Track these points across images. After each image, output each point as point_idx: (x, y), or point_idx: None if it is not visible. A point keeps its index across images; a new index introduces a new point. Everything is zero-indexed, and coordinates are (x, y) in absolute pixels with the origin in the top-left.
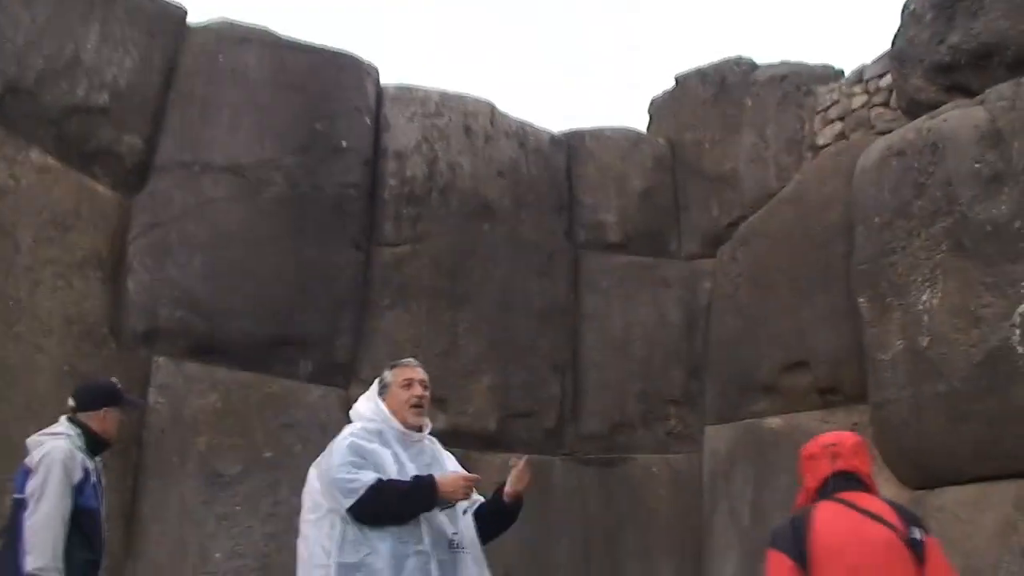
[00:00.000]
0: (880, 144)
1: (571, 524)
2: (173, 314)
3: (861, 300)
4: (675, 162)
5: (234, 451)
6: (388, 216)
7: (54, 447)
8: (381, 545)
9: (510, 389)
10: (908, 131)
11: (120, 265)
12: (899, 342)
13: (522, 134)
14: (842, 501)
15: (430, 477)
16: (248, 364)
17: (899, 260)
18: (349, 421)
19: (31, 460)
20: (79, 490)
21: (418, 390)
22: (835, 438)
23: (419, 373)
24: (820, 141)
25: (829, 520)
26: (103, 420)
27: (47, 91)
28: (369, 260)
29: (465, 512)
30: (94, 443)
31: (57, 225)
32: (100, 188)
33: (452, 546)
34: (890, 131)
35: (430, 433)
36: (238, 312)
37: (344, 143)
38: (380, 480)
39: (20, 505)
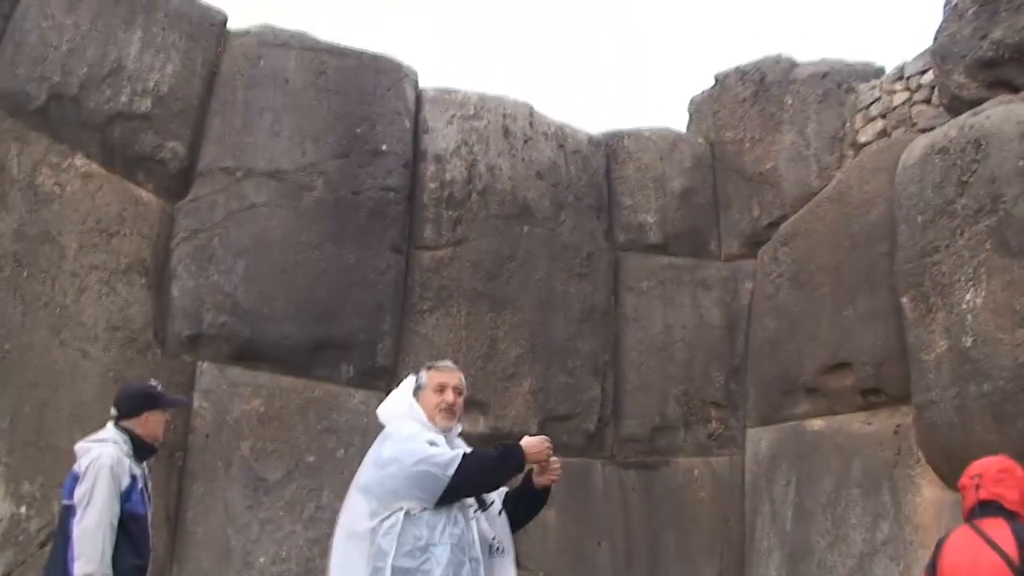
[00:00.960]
0: (922, 142)
1: (612, 527)
2: (217, 319)
3: (904, 300)
4: (715, 162)
5: (277, 456)
6: (428, 219)
7: (101, 453)
8: (439, 551)
9: (550, 392)
10: (950, 128)
11: (164, 271)
12: (943, 342)
13: (561, 135)
14: (974, 527)
15: (517, 444)
16: (290, 368)
17: (942, 259)
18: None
19: (79, 467)
20: (126, 496)
21: (450, 396)
22: (981, 468)
23: (454, 378)
24: (862, 139)
25: (956, 545)
26: (146, 424)
27: (91, 98)
28: (409, 263)
29: (500, 513)
30: (140, 448)
31: (102, 231)
32: (144, 194)
33: (492, 551)
34: (932, 128)
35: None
36: (280, 316)
37: (384, 146)
38: (469, 450)
39: (69, 511)
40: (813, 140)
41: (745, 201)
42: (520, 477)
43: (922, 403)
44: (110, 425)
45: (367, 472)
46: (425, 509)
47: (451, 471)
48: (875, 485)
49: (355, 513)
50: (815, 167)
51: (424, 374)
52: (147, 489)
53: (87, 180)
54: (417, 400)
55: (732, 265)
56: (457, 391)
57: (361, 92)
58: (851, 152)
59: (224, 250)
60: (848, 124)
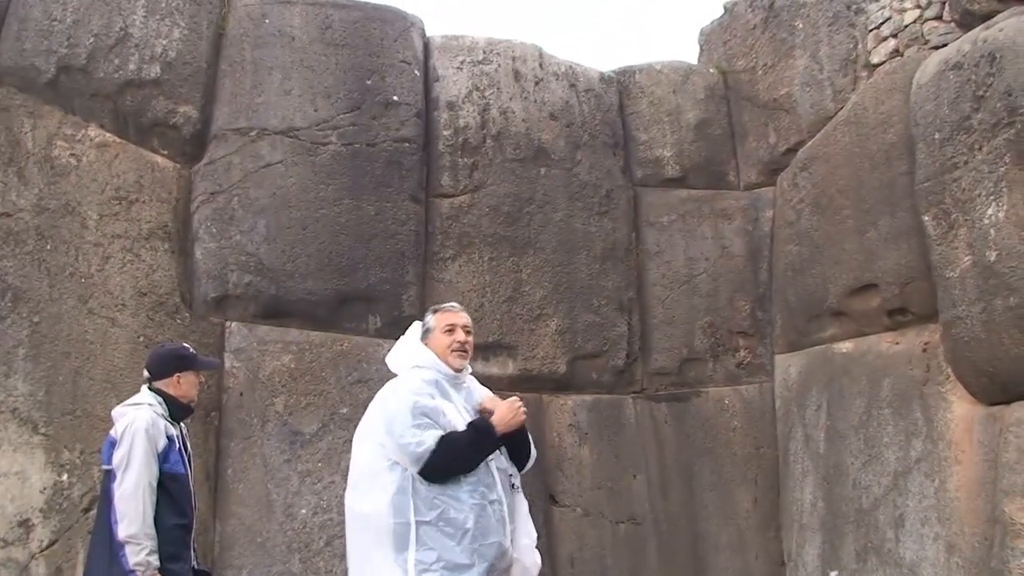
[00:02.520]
0: (935, 59)
1: (646, 460)
2: (242, 279)
3: (926, 218)
4: (728, 91)
5: (311, 409)
6: (444, 167)
7: (136, 417)
8: (462, 495)
9: (577, 331)
10: (963, 43)
11: (186, 234)
12: (967, 258)
13: (572, 75)
14: None
15: (483, 420)
16: (318, 323)
17: (962, 175)
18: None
19: (115, 431)
20: (164, 457)
21: (460, 335)
22: None
23: (462, 318)
24: (874, 60)
25: None
26: (179, 385)
27: (99, 68)
28: (428, 212)
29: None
30: (176, 409)
31: (121, 200)
32: (160, 160)
33: (513, 488)
34: (945, 45)
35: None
36: (304, 273)
37: (395, 97)
38: (442, 437)
39: (109, 475)
40: (826, 63)
41: (761, 129)
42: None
43: (949, 320)
44: (144, 389)
45: (374, 423)
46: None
47: (417, 468)
48: (906, 404)
49: (365, 463)
50: (829, 91)
51: (431, 317)
52: (186, 449)
53: (102, 150)
54: (427, 344)
55: (751, 194)
56: (466, 330)
57: (368, 44)
58: (865, 73)
59: (244, 210)
60: (860, 45)
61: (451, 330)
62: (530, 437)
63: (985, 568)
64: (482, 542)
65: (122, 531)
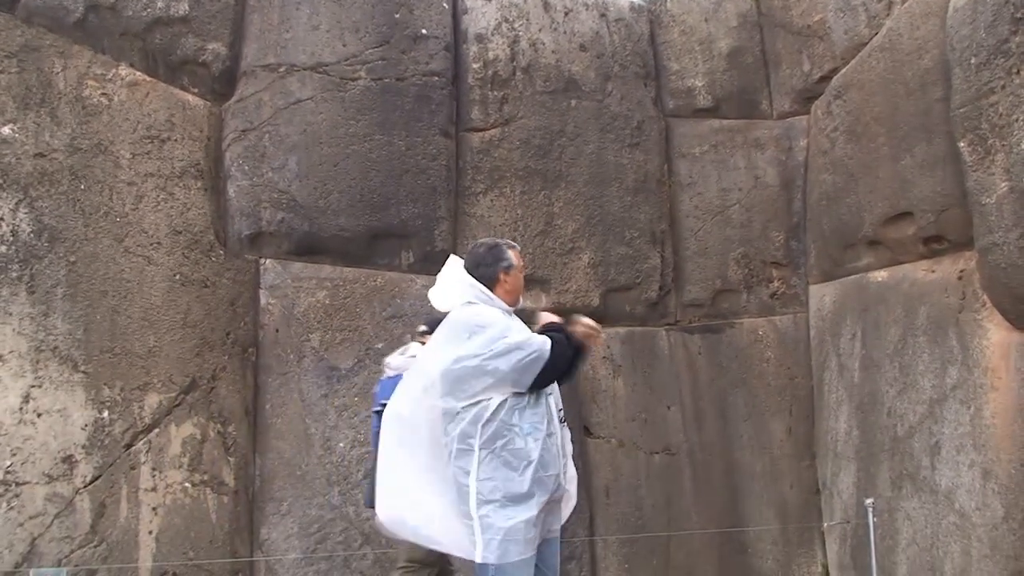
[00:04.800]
0: None
1: (680, 391)
2: (275, 216)
3: (962, 144)
4: (761, 18)
5: (347, 345)
6: (474, 101)
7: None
8: (526, 425)
9: (610, 264)
10: None
11: (218, 172)
12: (1003, 184)
13: (602, 4)
14: None
15: (572, 333)
16: (351, 259)
17: (999, 100)
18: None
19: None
20: None
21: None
22: None
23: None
24: None
25: None
26: None
27: (127, 6)
28: (459, 147)
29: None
30: None
31: (153, 138)
32: (191, 98)
33: (560, 421)
34: None
35: None
36: (336, 209)
37: (424, 31)
38: (553, 338)
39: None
40: None
41: (794, 56)
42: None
43: (985, 246)
44: (413, 343)
45: (448, 356)
46: (515, 394)
47: (541, 363)
48: (942, 331)
49: (421, 396)
50: (864, 16)
51: (511, 253)
52: None
53: (133, 89)
54: (505, 279)
55: (785, 123)
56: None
57: None
58: None
59: (275, 148)
60: None
61: (522, 271)
62: None
63: (1021, 493)
64: (543, 473)
65: None
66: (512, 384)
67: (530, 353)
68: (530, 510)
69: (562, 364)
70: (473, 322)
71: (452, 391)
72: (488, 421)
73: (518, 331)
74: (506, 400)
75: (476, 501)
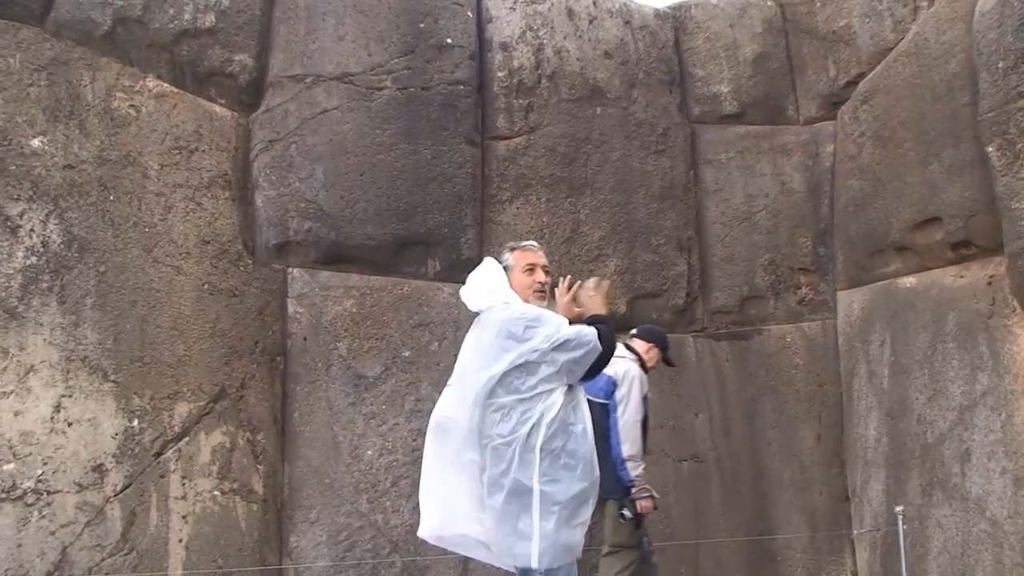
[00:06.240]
0: None
1: (708, 398)
2: (302, 226)
3: (990, 149)
4: (786, 24)
5: (374, 353)
6: (499, 109)
7: (631, 366)
8: (577, 423)
9: (636, 271)
10: None
11: (246, 183)
12: None
13: (626, 11)
14: None
15: (606, 316)
16: (378, 268)
17: None
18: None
19: (614, 373)
20: (646, 400)
21: (541, 276)
22: None
23: (541, 258)
24: None
25: None
26: (647, 352)
27: (155, 18)
28: (485, 155)
29: None
30: (643, 366)
31: (181, 149)
32: (218, 109)
33: None
34: None
35: None
36: (363, 218)
37: (449, 40)
38: (597, 326)
39: (603, 408)
40: None
41: (820, 62)
42: None
43: (1015, 251)
44: (622, 347)
45: (508, 355)
46: (566, 388)
47: (596, 352)
48: (971, 337)
49: (469, 398)
50: (889, 21)
51: (509, 255)
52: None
53: (161, 100)
54: (510, 280)
55: (811, 128)
56: (545, 270)
57: None
58: (925, 3)
59: (302, 157)
60: None
61: (531, 270)
62: None
63: None
64: (592, 472)
65: (625, 451)
66: (567, 376)
67: (585, 345)
68: (587, 512)
69: (608, 355)
70: (528, 317)
71: (507, 389)
72: (551, 421)
73: (566, 324)
74: (562, 398)
75: (539, 506)
